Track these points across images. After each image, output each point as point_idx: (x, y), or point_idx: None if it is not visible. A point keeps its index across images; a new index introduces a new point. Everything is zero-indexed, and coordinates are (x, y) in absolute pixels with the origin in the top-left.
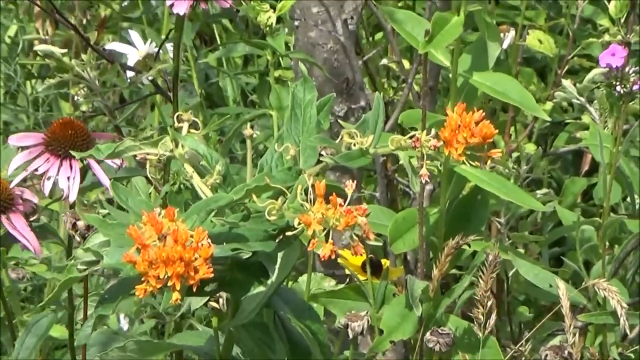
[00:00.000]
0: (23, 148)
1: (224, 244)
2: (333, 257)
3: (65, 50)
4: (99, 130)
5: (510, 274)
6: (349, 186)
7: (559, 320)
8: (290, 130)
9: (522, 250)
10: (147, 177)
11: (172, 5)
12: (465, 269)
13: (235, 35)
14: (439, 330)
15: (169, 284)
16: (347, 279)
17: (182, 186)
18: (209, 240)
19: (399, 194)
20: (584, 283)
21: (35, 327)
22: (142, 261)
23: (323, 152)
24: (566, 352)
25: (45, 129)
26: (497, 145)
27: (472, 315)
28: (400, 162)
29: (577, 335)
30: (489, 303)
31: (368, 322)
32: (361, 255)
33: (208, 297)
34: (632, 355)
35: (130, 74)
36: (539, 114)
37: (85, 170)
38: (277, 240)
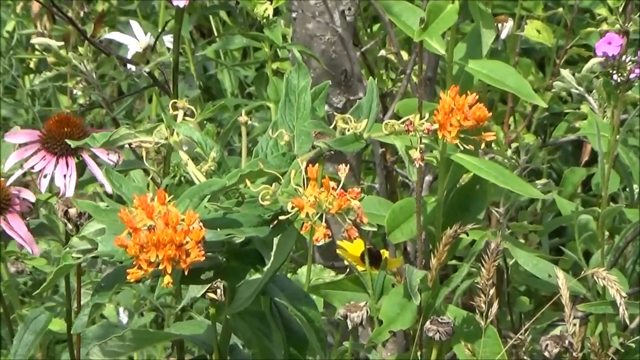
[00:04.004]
0: (20, 145)
1: (218, 229)
2: (327, 240)
3: (62, 43)
4: (97, 122)
5: (510, 264)
6: (342, 170)
7: (560, 311)
8: (284, 117)
9: (522, 241)
10: (145, 170)
11: None
12: (464, 259)
13: (233, 28)
14: (439, 319)
15: (160, 267)
16: (347, 270)
17: (182, 178)
18: (201, 224)
19: (398, 186)
20: (582, 272)
21: (34, 323)
22: (134, 245)
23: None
24: (567, 341)
25: (42, 124)
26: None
27: (473, 304)
28: (400, 152)
29: (577, 325)
30: (491, 292)
31: (367, 312)
32: (356, 239)
33: (207, 288)
34: (633, 345)
35: (128, 66)
36: (535, 101)
37: (82, 167)
38: (271, 226)
